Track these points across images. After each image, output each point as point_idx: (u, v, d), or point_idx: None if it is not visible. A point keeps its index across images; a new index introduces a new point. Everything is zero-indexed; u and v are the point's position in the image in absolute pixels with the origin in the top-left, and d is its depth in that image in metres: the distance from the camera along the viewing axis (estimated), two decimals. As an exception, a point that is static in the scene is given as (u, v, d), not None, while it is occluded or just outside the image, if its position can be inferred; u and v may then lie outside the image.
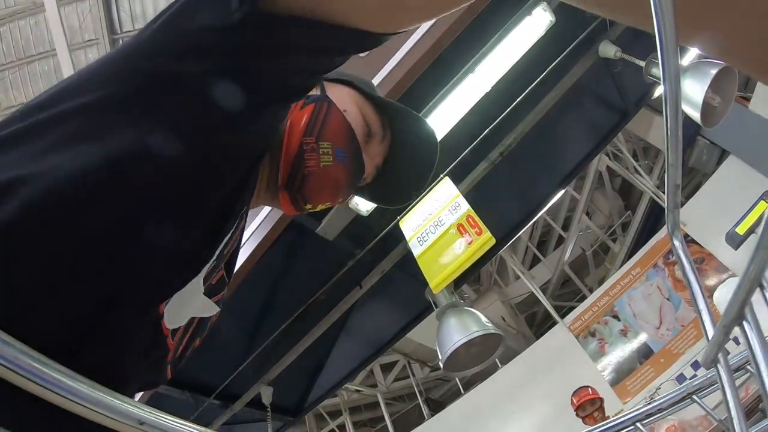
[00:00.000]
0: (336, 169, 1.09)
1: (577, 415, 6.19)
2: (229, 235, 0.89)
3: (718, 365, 0.92)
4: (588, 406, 6.13)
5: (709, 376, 1.51)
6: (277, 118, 0.95)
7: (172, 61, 0.77)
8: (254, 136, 0.88)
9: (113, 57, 0.83)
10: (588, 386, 6.36)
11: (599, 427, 1.55)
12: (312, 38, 0.78)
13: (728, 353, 1.00)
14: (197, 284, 0.86)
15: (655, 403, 1.58)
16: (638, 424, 1.52)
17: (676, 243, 0.94)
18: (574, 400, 6.26)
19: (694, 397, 1.53)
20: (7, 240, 0.62)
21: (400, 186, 1.31)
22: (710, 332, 0.90)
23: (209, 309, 1.01)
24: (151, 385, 0.96)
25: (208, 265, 0.86)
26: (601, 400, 6.17)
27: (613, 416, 5.37)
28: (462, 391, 12.49)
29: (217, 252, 0.87)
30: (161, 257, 0.76)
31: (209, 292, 0.96)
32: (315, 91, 1.13)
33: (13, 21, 10.23)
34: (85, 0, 10.00)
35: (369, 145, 1.18)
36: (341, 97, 1.15)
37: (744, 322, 0.80)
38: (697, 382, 1.55)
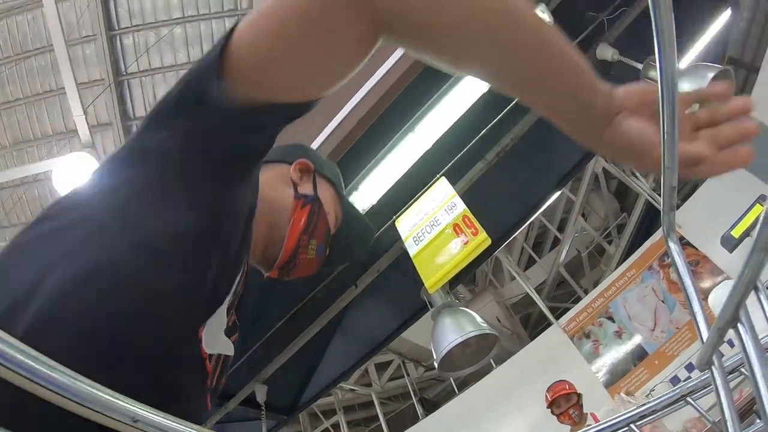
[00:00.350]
0: (315, 261, 1.45)
1: (552, 412, 5.82)
2: (239, 276, 1.12)
3: (713, 367, 0.92)
4: (563, 402, 5.77)
5: (703, 378, 1.51)
6: (251, 179, 1.13)
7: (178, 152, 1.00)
8: (242, 197, 1.08)
9: (125, 158, 1.06)
10: (565, 381, 6.04)
11: (593, 427, 1.55)
12: (262, 118, 1.00)
13: (722, 356, 1.00)
14: (222, 315, 1.04)
15: (649, 405, 1.58)
16: (632, 426, 1.53)
17: (672, 245, 0.94)
18: (548, 396, 5.92)
19: (689, 399, 1.54)
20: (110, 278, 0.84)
21: (345, 254, 1.66)
22: (705, 334, 0.90)
23: (228, 349, 1.15)
24: (200, 410, 1.07)
25: (228, 297, 1.05)
26: (579, 395, 5.82)
27: (597, 416, 5.36)
28: (456, 391, 12.50)
29: (233, 288, 1.08)
30: (200, 289, 0.96)
31: (227, 332, 1.12)
32: (309, 190, 1.45)
33: (11, 16, 10.21)
34: (83, -4, 10.01)
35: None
36: (326, 199, 1.49)
37: (738, 325, 0.80)
38: (691, 384, 1.55)
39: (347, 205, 1.59)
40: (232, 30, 0.97)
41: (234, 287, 1.08)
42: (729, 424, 0.93)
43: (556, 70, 0.87)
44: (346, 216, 1.57)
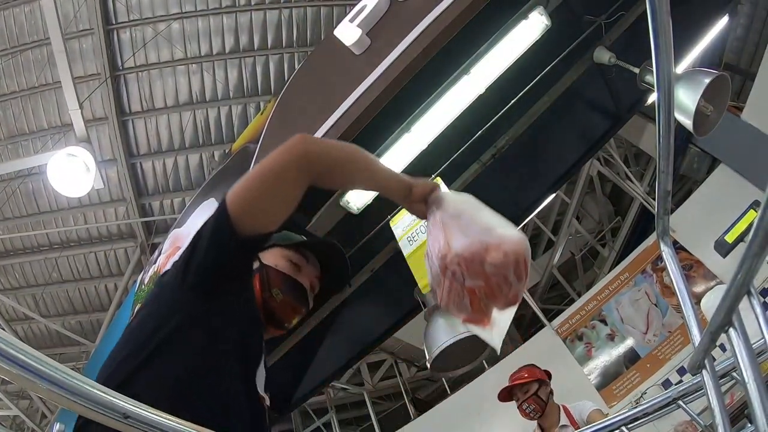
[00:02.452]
0: (287, 299, 1.85)
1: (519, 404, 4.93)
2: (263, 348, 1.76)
3: (704, 371, 0.92)
4: (519, 393, 4.90)
5: (695, 381, 1.51)
6: (248, 286, 1.77)
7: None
8: (246, 301, 1.74)
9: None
10: (530, 366, 5.15)
11: (587, 429, 1.55)
12: (253, 245, 1.67)
13: (714, 360, 1.01)
14: (261, 368, 1.69)
15: (640, 408, 1.59)
16: (624, 428, 1.53)
17: (666, 249, 0.94)
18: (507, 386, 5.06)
19: (680, 402, 1.54)
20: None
21: (335, 275, 2.06)
22: (697, 338, 0.90)
23: (266, 401, 1.75)
24: None
25: (262, 360, 1.73)
26: (541, 384, 4.90)
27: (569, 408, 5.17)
28: (449, 392, 12.50)
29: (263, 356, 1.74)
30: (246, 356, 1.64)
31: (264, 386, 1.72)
32: (256, 265, 1.87)
33: (7, 8, 10.16)
34: (81, -11, 9.97)
35: (302, 271, 1.93)
36: (271, 258, 1.91)
37: (731, 329, 0.80)
38: (683, 388, 1.55)
39: (293, 243, 1.99)
40: (225, 199, 1.56)
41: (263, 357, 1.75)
42: (720, 427, 0.94)
43: (372, 176, 1.74)
44: (299, 247, 1.98)
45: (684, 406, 1.54)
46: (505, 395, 5.05)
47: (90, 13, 10.12)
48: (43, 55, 10.41)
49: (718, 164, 8.93)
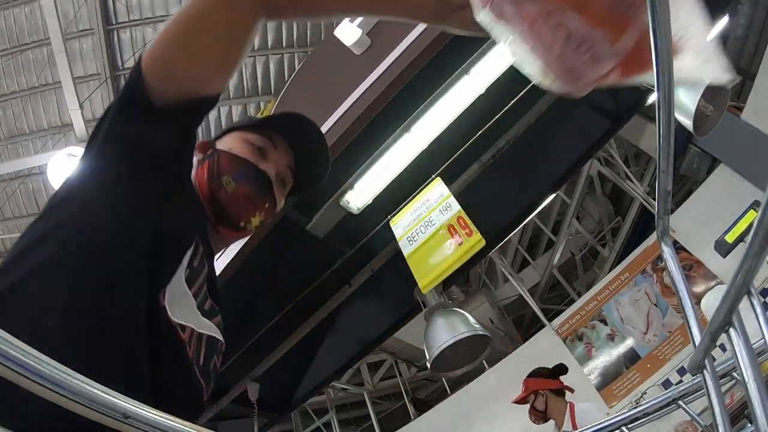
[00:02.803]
0: (241, 187, 1.43)
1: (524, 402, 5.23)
2: (191, 249, 1.20)
3: (705, 371, 0.92)
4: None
5: (695, 381, 1.51)
6: (183, 162, 1.33)
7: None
8: (177, 178, 1.29)
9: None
10: (530, 375, 5.37)
11: (585, 429, 1.55)
12: (178, 112, 1.20)
13: (714, 360, 1.00)
14: (181, 283, 1.15)
15: (640, 408, 1.58)
16: (624, 428, 1.53)
17: (666, 249, 0.94)
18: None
19: (680, 402, 1.54)
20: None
21: (311, 167, 1.66)
22: (697, 338, 0.90)
23: (211, 329, 1.26)
24: (189, 390, 1.18)
25: (183, 268, 1.16)
26: (536, 395, 5.12)
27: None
28: (449, 392, 12.51)
29: (187, 259, 1.18)
30: (145, 261, 1.10)
31: (206, 315, 1.25)
32: (208, 153, 1.51)
33: (8, 8, 10.17)
34: (81, -11, 9.98)
35: (267, 157, 1.53)
36: (225, 142, 1.53)
37: (731, 329, 0.80)
38: (683, 388, 1.55)
39: (255, 123, 1.60)
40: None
41: (186, 261, 1.18)
42: (721, 428, 0.93)
43: None
44: (263, 128, 1.58)
45: (684, 406, 1.54)
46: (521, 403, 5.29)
47: (90, 13, 10.13)
48: (43, 55, 10.41)
49: (718, 164, 8.93)
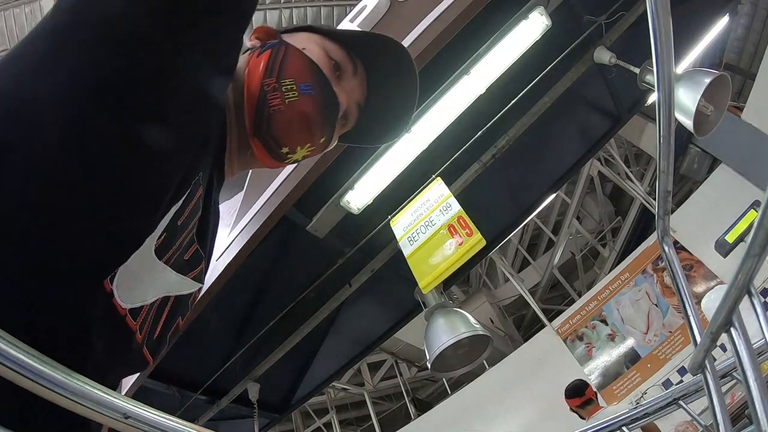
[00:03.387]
0: (304, 103, 1.08)
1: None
2: (178, 204, 0.87)
3: (705, 371, 0.92)
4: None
5: (695, 381, 1.51)
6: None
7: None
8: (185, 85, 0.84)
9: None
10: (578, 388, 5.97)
11: (585, 429, 1.55)
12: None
13: (714, 360, 1.00)
14: (147, 258, 0.84)
15: (641, 408, 1.59)
16: (624, 428, 1.53)
17: (666, 249, 0.94)
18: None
19: (681, 402, 1.54)
20: None
21: (387, 116, 1.32)
22: (698, 338, 0.90)
23: (186, 286, 1.00)
24: (130, 369, 0.95)
25: (154, 238, 0.83)
26: (574, 411, 5.86)
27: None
28: (449, 392, 12.51)
29: (165, 223, 0.85)
30: (89, 229, 0.75)
31: (182, 268, 0.96)
32: (271, 43, 1.16)
33: (8, 9, 10.17)
34: (81, -10, 9.97)
35: (341, 81, 1.19)
36: (299, 40, 1.17)
37: (732, 329, 0.80)
38: (683, 388, 1.55)
39: (344, 36, 1.23)
40: None
41: (164, 224, 0.85)
42: (721, 427, 0.93)
43: None
44: (354, 41, 1.23)
45: (684, 406, 1.54)
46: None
47: (90, 13, 10.14)
48: (44, 55, 10.42)
49: (718, 164, 8.95)
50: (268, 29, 1.21)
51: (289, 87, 1.06)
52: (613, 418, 1.58)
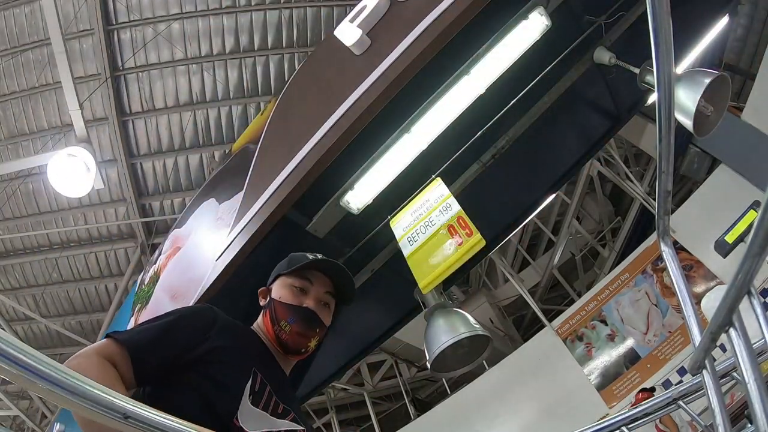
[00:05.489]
0: (295, 327, 1.98)
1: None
2: (248, 386, 1.74)
3: (705, 371, 0.92)
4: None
5: (695, 381, 1.50)
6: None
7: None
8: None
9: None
10: (649, 388, 6.78)
11: (586, 430, 1.55)
12: None
13: (714, 360, 1.00)
14: (247, 407, 1.70)
15: (641, 408, 1.58)
16: (624, 428, 1.52)
17: (666, 249, 0.94)
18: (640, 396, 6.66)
19: (680, 402, 1.54)
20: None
21: (346, 287, 2.18)
22: (697, 338, 0.90)
23: (288, 426, 1.79)
24: None
25: (246, 398, 1.71)
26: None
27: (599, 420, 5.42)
28: (449, 392, 12.53)
29: (247, 391, 1.73)
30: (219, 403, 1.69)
31: (280, 416, 1.79)
32: (267, 302, 2.09)
33: (8, 8, 10.18)
34: (81, -11, 9.98)
35: (309, 293, 2.06)
36: (276, 290, 2.08)
37: (731, 329, 0.80)
38: (683, 388, 1.55)
39: (293, 270, 2.09)
40: None
41: (247, 391, 1.73)
42: (720, 428, 0.93)
43: None
44: (300, 271, 2.09)
45: (684, 406, 1.54)
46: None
47: (90, 13, 10.15)
48: (44, 55, 10.43)
49: (718, 164, 8.96)
50: (263, 291, 2.17)
51: (284, 325, 1.99)
52: (613, 418, 1.58)
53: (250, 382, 1.76)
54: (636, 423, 1.55)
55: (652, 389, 6.63)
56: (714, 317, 0.82)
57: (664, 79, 0.77)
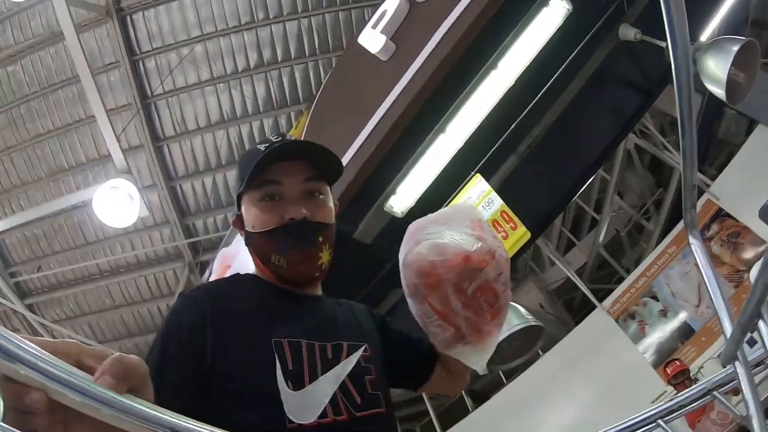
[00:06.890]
0: (291, 255, 1.51)
1: (669, 383, 7.05)
2: (279, 376, 1.32)
3: (736, 362, 0.94)
4: (680, 375, 6.90)
5: (729, 372, 1.50)
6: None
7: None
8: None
9: None
10: (676, 359, 7.31)
11: (621, 424, 1.56)
12: None
13: (749, 347, 1.02)
14: (297, 399, 1.31)
15: (676, 400, 1.59)
16: (660, 422, 1.53)
17: (694, 241, 0.97)
18: (668, 371, 7.06)
19: (715, 393, 1.54)
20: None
21: (324, 159, 1.65)
22: (728, 330, 0.92)
23: (350, 363, 1.47)
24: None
25: (288, 393, 1.31)
26: (689, 370, 7.07)
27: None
28: (504, 381, 12.46)
29: (282, 388, 1.31)
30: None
31: (331, 363, 1.43)
32: (242, 232, 1.64)
33: (34, 52, 10.42)
34: (102, 25, 10.16)
35: (284, 196, 1.54)
36: (247, 215, 1.59)
37: (760, 321, 0.82)
38: (717, 378, 1.55)
39: (249, 179, 1.53)
40: None
41: (281, 384, 1.32)
42: (754, 419, 0.95)
43: None
44: (255, 173, 1.52)
45: (719, 396, 1.53)
46: (670, 376, 7.12)
47: (113, 46, 10.33)
48: (74, 92, 10.65)
49: (756, 125, 8.78)
50: (235, 223, 1.66)
51: (276, 259, 1.52)
52: (648, 411, 1.59)
53: (278, 366, 1.34)
54: (672, 415, 1.56)
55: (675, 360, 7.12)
56: (743, 309, 0.84)
57: (682, 75, 0.81)
